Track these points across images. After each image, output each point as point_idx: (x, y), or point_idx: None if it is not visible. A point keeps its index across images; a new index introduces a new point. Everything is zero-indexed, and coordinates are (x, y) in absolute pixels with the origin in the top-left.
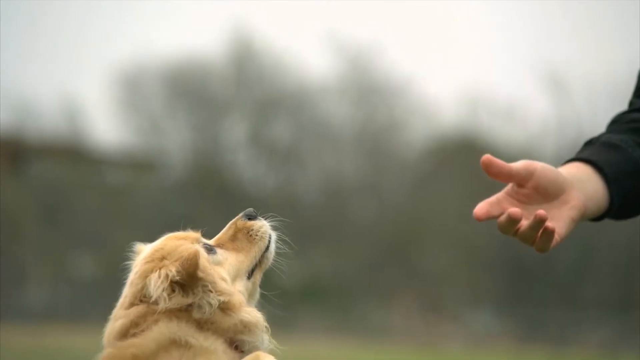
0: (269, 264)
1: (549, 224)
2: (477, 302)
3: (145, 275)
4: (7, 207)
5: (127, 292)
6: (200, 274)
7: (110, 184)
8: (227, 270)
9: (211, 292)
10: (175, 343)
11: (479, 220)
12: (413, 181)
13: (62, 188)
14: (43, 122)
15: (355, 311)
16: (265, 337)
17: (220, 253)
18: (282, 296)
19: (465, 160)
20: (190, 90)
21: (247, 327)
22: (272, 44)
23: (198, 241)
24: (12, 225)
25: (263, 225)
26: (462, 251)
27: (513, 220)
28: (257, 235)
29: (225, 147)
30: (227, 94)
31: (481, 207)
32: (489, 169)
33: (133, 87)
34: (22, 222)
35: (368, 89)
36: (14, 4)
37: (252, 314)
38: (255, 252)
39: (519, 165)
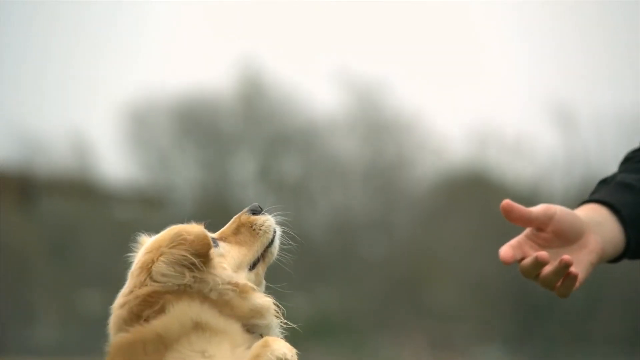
0: (273, 258)
1: (572, 269)
2: (488, 338)
3: (145, 266)
4: (15, 243)
5: (129, 283)
6: (212, 254)
7: (119, 219)
8: (228, 263)
9: (218, 277)
10: (198, 326)
11: (507, 264)
12: (422, 217)
13: (70, 224)
14: (51, 158)
15: (365, 348)
16: (275, 321)
17: (223, 246)
18: (291, 333)
19: (474, 195)
20: (199, 126)
21: (259, 311)
22: (281, 80)
23: None
24: (20, 261)
25: (267, 220)
26: (471, 287)
27: (540, 264)
28: (260, 229)
29: (234, 183)
30: (236, 130)
31: (507, 251)
32: (509, 214)
33: (142, 123)
34: (30, 258)
35: (377, 125)
36: (23, 39)
37: (263, 298)
38: (258, 246)
39: (538, 209)
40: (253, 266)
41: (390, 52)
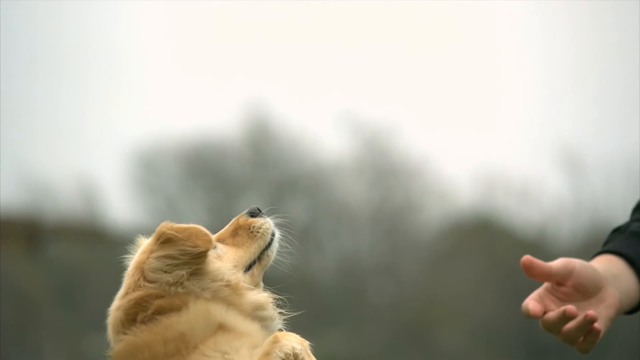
0: (270, 261)
1: (596, 324)
2: None
3: (139, 266)
4: (23, 288)
5: (125, 283)
6: (211, 248)
7: (127, 264)
8: (224, 264)
9: (211, 275)
10: (223, 327)
11: (536, 317)
12: (429, 261)
13: (78, 268)
14: (59, 202)
15: None
16: (275, 315)
17: (220, 247)
18: None
19: (482, 240)
20: (207, 171)
21: (257, 308)
22: (288, 124)
23: None
24: (28, 306)
25: (265, 223)
26: (479, 331)
27: (566, 318)
28: (258, 232)
29: None
30: (243, 174)
31: (535, 306)
32: (529, 270)
33: (149, 167)
34: (38, 303)
35: (384, 169)
36: (31, 82)
37: (259, 295)
38: (254, 248)
39: (558, 264)
40: (248, 268)
41: (397, 96)
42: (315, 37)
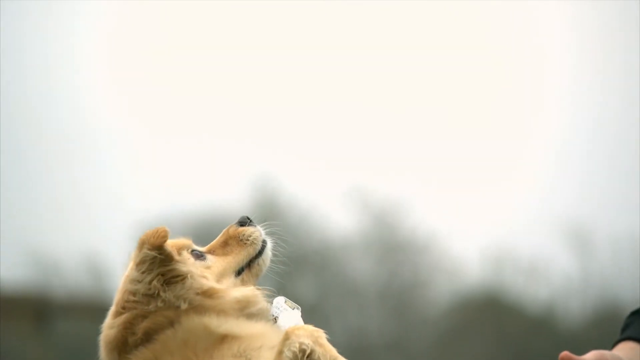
0: (264, 269)
1: None
2: None
3: (125, 280)
4: None
5: (115, 298)
6: (168, 249)
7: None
8: (213, 272)
9: (187, 282)
10: (226, 338)
11: None
12: (438, 338)
13: (86, 346)
14: (67, 279)
15: None
16: (266, 305)
17: (210, 258)
18: None
19: (490, 317)
20: None
21: (242, 302)
22: (297, 200)
23: (189, 248)
24: None
25: (255, 231)
26: None
27: None
28: (247, 240)
29: None
30: None
31: None
32: None
33: None
34: None
35: (392, 246)
36: (37, 159)
37: (241, 290)
38: (243, 255)
39: (591, 357)
40: (238, 274)
41: (406, 173)
42: (325, 113)
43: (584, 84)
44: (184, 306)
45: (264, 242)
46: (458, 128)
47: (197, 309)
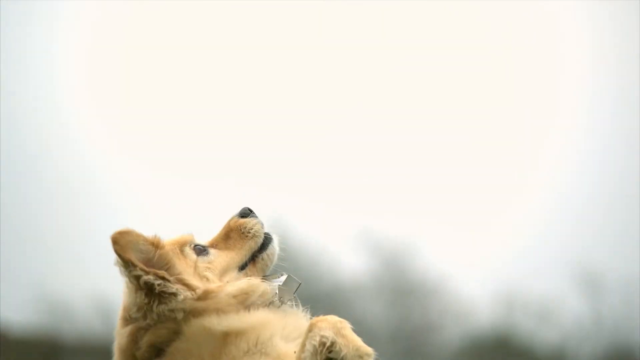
0: (268, 265)
1: None
2: None
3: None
4: None
5: (122, 302)
6: (127, 257)
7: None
8: (215, 268)
9: (174, 288)
10: (228, 335)
11: None
12: None
13: None
14: (78, 322)
15: None
16: (267, 291)
17: (213, 253)
18: None
19: (501, 359)
20: None
21: (239, 296)
22: (307, 242)
23: (191, 243)
24: None
25: (257, 224)
26: None
27: None
28: (249, 232)
29: None
30: None
31: None
32: None
33: None
34: None
35: (403, 289)
36: (48, 205)
37: (235, 285)
38: (246, 249)
39: None
40: (242, 268)
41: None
42: (336, 156)
43: (596, 129)
44: (180, 316)
45: (268, 236)
46: (469, 172)
47: (195, 312)
